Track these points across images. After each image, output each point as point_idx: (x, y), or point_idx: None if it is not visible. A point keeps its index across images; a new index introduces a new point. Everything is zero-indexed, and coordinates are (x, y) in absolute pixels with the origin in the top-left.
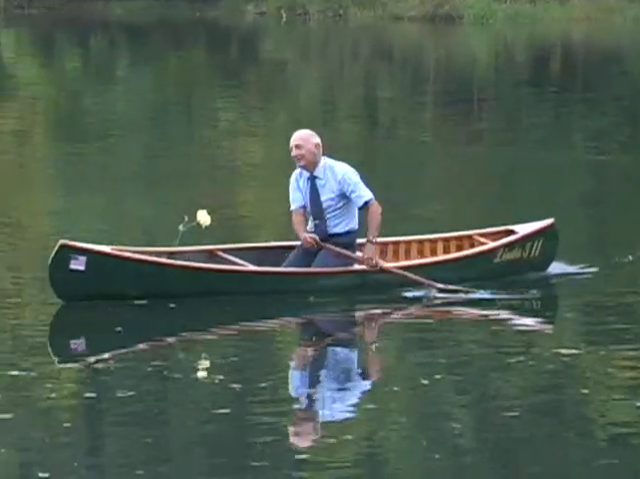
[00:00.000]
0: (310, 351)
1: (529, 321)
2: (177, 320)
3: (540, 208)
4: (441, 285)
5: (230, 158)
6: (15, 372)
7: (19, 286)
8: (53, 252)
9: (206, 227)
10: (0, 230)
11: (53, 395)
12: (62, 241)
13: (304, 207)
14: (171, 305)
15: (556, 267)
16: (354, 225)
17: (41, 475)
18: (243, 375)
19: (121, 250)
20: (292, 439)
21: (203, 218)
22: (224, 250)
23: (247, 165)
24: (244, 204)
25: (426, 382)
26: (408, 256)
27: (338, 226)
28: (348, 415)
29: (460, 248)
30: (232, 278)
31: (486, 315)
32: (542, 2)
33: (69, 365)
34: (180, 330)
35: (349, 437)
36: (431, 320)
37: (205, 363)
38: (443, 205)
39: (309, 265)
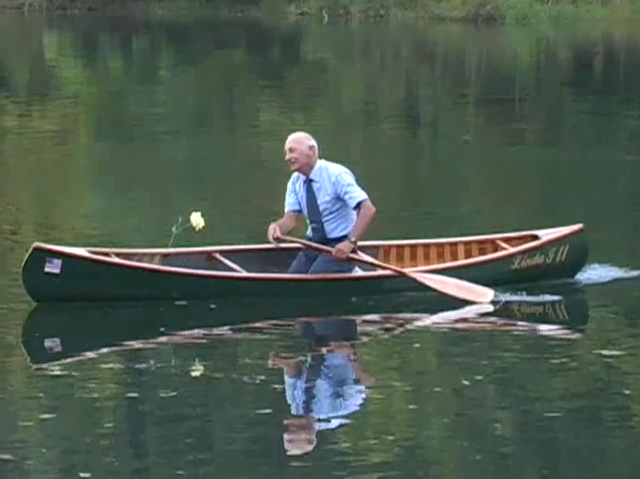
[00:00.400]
0: (350, 353)
1: (565, 326)
2: (217, 321)
3: (580, 209)
4: (416, 276)
5: (271, 157)
6: (57, 373)
7: None
8: (27, 255)
9: (200, 230)
10: (39, 229)
11: (95, 396)
12: (36, 244)
13: (298, 211)
14: (212, 306)
15: (592, 271)
16: (350, 230)
17: (82, 475)
18: (283, 376)
19: (100, 253)
20: (334, 439)
21: (197, 220)
22: (222, 252)
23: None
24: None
25: (467, 383)
26: (427, 260)
27: (335, 230)
28: (390, 416)
29: (482, 252)
30: (202, 283)
31: (523, 319)
32: (584, 3)
33: (110, 366)
34: (220, 331)
35: (391, 438)
36: (468, 323)
37: (246, 363)
38: (480, 205)
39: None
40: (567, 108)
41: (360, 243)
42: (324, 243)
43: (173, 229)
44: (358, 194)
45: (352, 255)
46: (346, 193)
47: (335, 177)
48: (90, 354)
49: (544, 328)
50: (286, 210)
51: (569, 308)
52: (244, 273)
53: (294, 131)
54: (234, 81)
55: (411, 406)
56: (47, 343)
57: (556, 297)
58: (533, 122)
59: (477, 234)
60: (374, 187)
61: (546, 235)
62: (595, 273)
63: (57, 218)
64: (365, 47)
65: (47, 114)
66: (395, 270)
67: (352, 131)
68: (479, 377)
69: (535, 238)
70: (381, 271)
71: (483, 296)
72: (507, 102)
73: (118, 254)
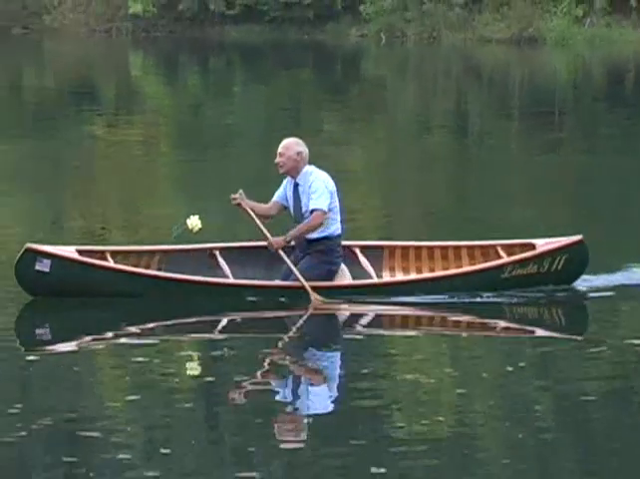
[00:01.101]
0: (390, 345)
1: (599, 319)
2: (289, 311)
3: (612, 216)
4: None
5: (334, 165)
6: (140, 359)
7: None
8: (19, 255)
9: (196, 232)
10: (121, 232)
11: (176, 380)
12: (27, 245)
13: (283, 204)
14: (282, 299)
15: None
16: (331, 232)
17: (163, 451)
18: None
19: (95, 251)
20: (394, 423)
21: (194, 223)
22: (221, 250)
23: (349, 171)
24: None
25: (510, 369)
26: (431, 261)
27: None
28: (438, 398)
29: (485, 256)
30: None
31: (557, 307)
32: (618, 26)
33: (189, 353)
34: (291, 322)
35: (440, 418)
36: (510, 314)
37: (319, 355)
38: (522, 209)
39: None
40: (602, 119)
41: (366, 243)
42: (303, 244)
43: (173, 230)
44: (316, 202)
45: (280, 252)
46: (311, 198)
47: (311, 182)
48: (166, 340)
49: (578, 319)
50: (273, 198)
51: (605, 304)
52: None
53: (353, 140)
54: (301, 96)
55: (459, 390)
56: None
57: None
58: (571, 132)
59: (514, 237)
60: (423, 190)
61: (543, 245)
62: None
63: (139, 217)
64: (418, 66)
65: (132, 124)
66: (299, 287)
67: (406, 140)
68: (521, 364)
69: (532, 247)
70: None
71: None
72: (547, 114)
73: (115, 253)
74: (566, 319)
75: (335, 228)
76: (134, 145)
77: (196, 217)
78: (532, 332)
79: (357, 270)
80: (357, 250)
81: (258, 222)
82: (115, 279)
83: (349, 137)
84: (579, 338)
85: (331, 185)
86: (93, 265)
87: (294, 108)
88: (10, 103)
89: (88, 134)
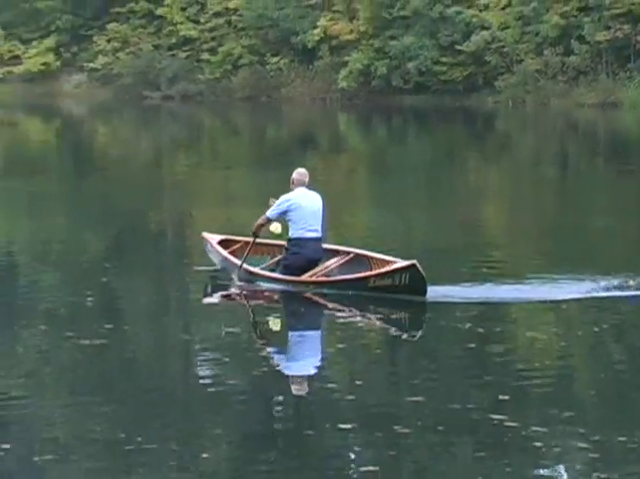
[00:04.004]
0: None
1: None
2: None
3: None
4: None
5: (475, 185)
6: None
7: None
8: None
9: (277, 235)
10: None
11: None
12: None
13: None
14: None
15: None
16: (289, 235)
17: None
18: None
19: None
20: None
21: (274, 226)
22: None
23: (486, 188)
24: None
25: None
26: (360, 267)
27: None
28: (497, 370)
29: (377, 266)
30: None
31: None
32: None
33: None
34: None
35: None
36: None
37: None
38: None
39: None
40: None
41: (333, 247)
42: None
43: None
44: (268, 210)
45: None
46: None
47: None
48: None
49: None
50: None
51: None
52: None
53: (488, 170)
54: (452, 143)
55: (541, 363)
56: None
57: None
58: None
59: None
60: (529, 213)
61: (392, 264)
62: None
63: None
64: (534, 123)
65: (339, 158)
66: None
67: (524, 171)
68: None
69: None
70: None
71: None
72: (629, 163)
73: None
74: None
75: (292, 232)
76: (339, 171)
77: (278, 224)
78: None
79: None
80: (330, 254)
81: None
82: None
83: (487, 168)
84: None
85: (293, 201)
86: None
87: (448, 151)
88: (258, 147)
89: (309, 162)
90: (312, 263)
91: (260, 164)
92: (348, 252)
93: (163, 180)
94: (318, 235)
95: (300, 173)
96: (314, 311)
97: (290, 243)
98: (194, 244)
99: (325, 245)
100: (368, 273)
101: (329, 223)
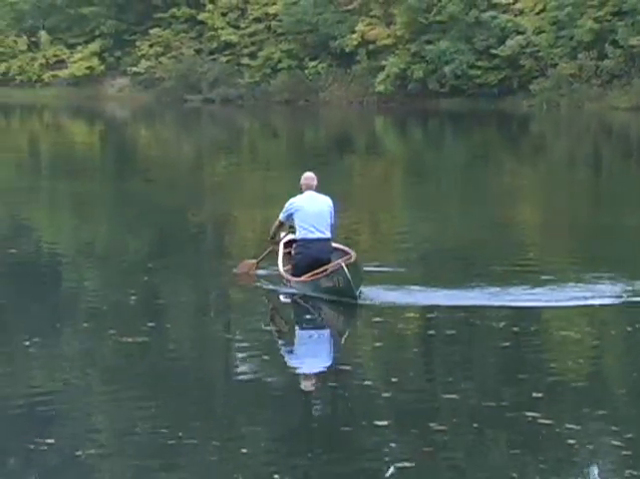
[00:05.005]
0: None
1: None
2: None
3: None
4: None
5: (509, 184)
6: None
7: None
8: None
9: None
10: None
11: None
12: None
13: None
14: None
15: None
16: (295, 236)
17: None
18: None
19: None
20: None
21: None
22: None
23: (518, 188)
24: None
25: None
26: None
27: None
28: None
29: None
30: None
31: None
32: None
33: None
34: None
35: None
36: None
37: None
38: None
39: None
40: None
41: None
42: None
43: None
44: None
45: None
46: None
47: None
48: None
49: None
50: None
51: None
52: None
53: (523, 171)
54: (487, 145)
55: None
56: None
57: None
58: None
59: None
60: (564, 214)
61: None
62: None
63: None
64: (569, 126)
65: (375, 159)
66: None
67: (559, 171)
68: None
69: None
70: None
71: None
72: None
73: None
74: None
75: (296, 233)
76: (376, 173)
77: None
78: None
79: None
80: (339, 254)
81: None
82: None
83: (522, 170)
84: None
85: (296, 204)
86: None
87: (483, 153)
88: (297, 149)
89: (346, 164)
90: (318, 263)
91: (298, 166)
92: (349, 254)
93: (204, 181)
94: (323, 235)
95: (307, 177)
96: (351, 311)
97: (296, 245)
98: (235, 245)
99: (336, 245)
100: (311, 275)
101: (366, 221)
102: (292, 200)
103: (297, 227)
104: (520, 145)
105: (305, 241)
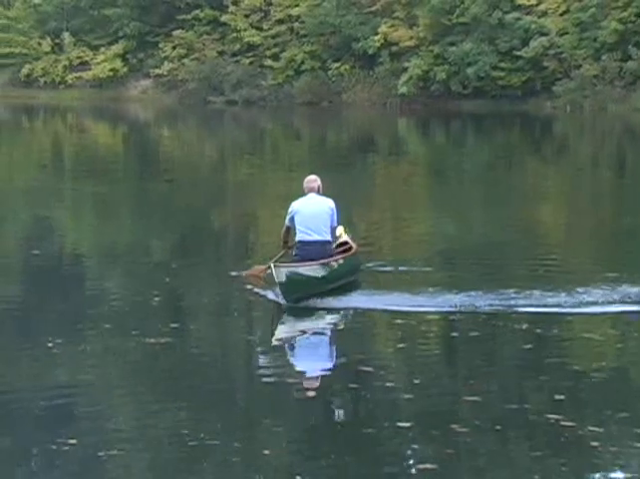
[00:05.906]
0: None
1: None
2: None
3: None
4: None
5: (533, 184)
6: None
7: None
8: None
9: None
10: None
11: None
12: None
13: None
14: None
15: None
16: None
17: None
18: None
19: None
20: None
21: (338, 230)
22: None
23: (543, 188)
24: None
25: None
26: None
27: None
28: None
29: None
30: None
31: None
32: None
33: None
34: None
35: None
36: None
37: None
38: None
39: None
40: None
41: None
42: None
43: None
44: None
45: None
46: None
47: None
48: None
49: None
50: None
51: None
52: None
53: (548, 172)
54: (511, 146)
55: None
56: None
57: None
58: None
59: None
60: (589, 213)
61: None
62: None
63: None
64: (592, 127)
65: (397, 160)
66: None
67: (581, 171)
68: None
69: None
70: None
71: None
72: None
73: None
74: None
75: (297, 236)
76: (399, 173)
77: (341, 227)
78: None
79: None
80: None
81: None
82: None
83: (545, 171)
84: None
85: (295, 207)
86: None
87: (507, 154)
88: (320, 150)
89: (368, 165)
90: None
91: (321, 167)
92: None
93: (227, 182)
94: (320, 237)
95: (308, 180)
96: (373, 312)
97: (295, 246)
98: (256, 246)
99: (344, 239)
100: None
101: (389, 222)
102: (293, 203)
103: (296, 229)
104: (544, 146)
105: (302, 244)
